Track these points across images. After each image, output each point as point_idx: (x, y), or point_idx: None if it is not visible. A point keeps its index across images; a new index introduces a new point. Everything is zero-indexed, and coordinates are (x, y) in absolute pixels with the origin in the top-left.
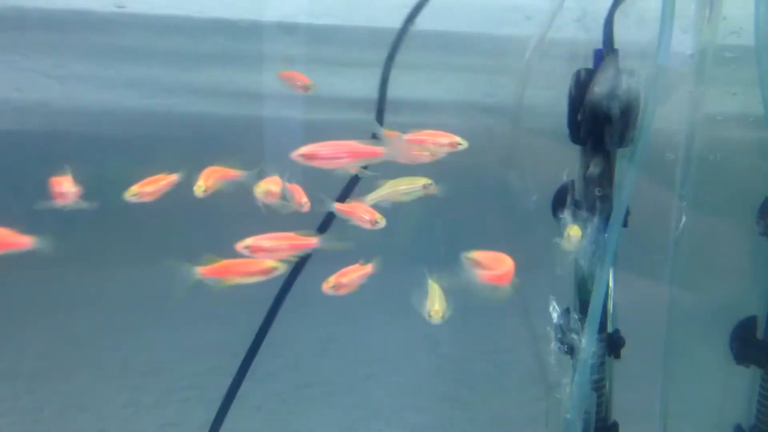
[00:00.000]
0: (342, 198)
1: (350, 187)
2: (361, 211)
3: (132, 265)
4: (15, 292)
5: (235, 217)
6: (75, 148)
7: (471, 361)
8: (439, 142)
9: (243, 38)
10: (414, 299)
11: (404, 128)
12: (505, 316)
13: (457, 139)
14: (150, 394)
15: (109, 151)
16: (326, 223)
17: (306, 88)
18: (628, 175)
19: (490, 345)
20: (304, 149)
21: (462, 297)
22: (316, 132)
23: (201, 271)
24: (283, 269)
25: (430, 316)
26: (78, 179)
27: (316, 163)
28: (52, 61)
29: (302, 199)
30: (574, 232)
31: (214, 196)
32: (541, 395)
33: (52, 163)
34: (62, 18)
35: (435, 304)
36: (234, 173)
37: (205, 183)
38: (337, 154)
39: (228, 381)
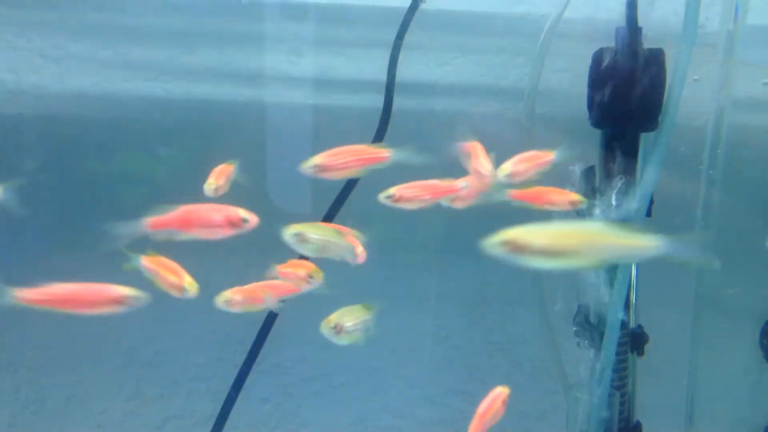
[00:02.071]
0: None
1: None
2: None
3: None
4: (15, 282)
5: None
6: (72, 133)
7: (482, 353)
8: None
9: (245, 18)
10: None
11: (414, 113)
12: (517, 308)
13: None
14: (154, 386)
15: (107, 136)
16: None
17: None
18: (652, 161)
19: (501, 337)
20: None
21: (473, 287)
22: (322, 116)
23: None
24: None
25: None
26: (76, 166)
27: None
28: (48, 41)
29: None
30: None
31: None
32: (554, 389)
33: (49, 148)
34: None
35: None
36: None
37: (216, 181)
38: None
39: (233, 372)
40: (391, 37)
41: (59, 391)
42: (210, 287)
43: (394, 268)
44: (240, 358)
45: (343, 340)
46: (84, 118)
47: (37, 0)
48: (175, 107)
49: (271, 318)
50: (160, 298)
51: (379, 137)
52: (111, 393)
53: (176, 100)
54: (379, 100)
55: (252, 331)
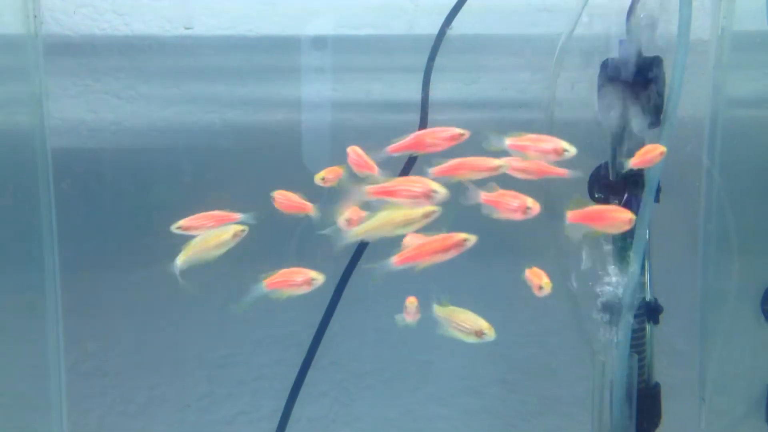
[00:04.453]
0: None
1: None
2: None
3: (205, 268)
4: (101, 295)
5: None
6: (145, 161)
7: (520, 345)
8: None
9: (290, 51)
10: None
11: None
12: (548, 301)
13: (563, 144)
14: (223, 386)
15: (176, 162)
16: None
17: None
18: None
19: (537, 329)
20: None
21: (509, 285)
22: (361, 134)
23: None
24: None
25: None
26: (151, 189)
27: None
28: (122, 83)
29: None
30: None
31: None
32: (586, 375)
33: (126, 177)
34: (129, 44)
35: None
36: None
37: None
38: None
39: (293, 371)
40: (419, 61)
41: (141, 393)
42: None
43: (433, 270)
44: (299, 358)
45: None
46: (155, 148)
47: (110, 49)
48: (233, 134)
49: (326, 320)
50: (223, 306)
51: None
52: (186, 393)
53: (234, 128)
54: (414, 119)
55: (309, 332)
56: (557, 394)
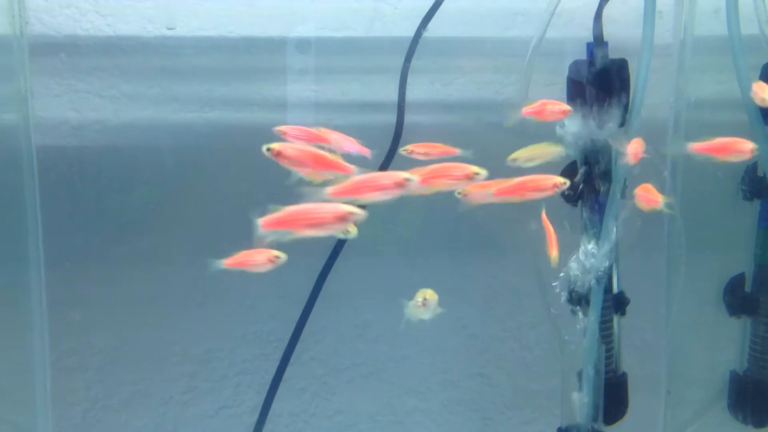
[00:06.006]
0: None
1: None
2: None
3: (187, 265)
4: (85, 291)
5: None
6: (128, 160)
7: (496, 339)
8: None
9: (271, 52)
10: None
11: (422, 127)
12: (524, 298)
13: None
14: (206, 381)
15: (158, 160)
16: None
17: None
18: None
19: (513, 324)
20: None
21: (487, 281)
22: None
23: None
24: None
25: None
26: (133, 187)
27: None
28: (105, 83)
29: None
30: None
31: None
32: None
33: (108, 174)
34: (111, 44)
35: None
36: None
37: None
38: None
39: (275, 367)
40: (397, 63)
41: (124, 387)
42: (249, 289)
43: (412, 268)
44: (280, 354)
45: (425, 314)
46: (137, 147)
47: (93, 49)
48: (214, 133)
49: (304, 317)
50: (206, 302)
51: (394, 144)
52: (169, 387)
53: (216, 127)
54: (392, 119)
55: (289, 329)
56: (532, 388)
